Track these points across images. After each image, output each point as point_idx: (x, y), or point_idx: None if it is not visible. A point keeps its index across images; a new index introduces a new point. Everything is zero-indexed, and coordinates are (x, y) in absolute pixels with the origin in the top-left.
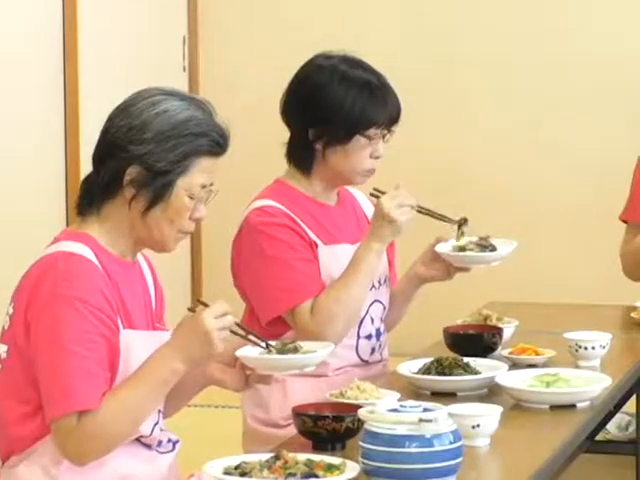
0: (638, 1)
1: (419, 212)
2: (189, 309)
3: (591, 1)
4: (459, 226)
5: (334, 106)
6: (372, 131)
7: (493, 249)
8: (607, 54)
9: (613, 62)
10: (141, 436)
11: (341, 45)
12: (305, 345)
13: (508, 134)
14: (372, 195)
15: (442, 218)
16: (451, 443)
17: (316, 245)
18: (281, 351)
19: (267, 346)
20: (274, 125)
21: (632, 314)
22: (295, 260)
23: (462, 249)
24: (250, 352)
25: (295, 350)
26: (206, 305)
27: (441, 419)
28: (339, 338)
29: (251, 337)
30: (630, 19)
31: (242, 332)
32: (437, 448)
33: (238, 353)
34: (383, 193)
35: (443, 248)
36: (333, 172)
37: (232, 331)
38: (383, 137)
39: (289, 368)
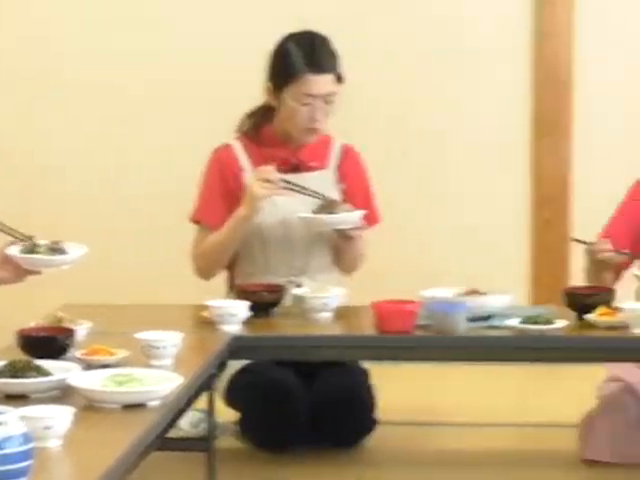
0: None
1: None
2: None
3: None
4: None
5: None
6: None
7: (63, 253)
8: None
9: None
10: None
11: None
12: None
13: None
14: None
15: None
16: (21, 445)
17: None
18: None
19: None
20: None
21: (203, 313)
22: None
23: (32, 252)
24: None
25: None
26: None
27: (11, 422)
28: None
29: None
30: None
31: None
32: (7, 451)
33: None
34: None
35: (13, 250)
36: None
37: None
38: None
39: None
